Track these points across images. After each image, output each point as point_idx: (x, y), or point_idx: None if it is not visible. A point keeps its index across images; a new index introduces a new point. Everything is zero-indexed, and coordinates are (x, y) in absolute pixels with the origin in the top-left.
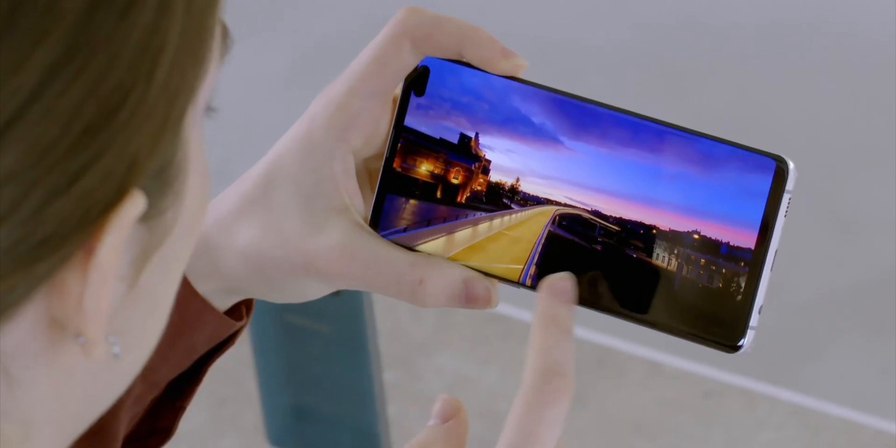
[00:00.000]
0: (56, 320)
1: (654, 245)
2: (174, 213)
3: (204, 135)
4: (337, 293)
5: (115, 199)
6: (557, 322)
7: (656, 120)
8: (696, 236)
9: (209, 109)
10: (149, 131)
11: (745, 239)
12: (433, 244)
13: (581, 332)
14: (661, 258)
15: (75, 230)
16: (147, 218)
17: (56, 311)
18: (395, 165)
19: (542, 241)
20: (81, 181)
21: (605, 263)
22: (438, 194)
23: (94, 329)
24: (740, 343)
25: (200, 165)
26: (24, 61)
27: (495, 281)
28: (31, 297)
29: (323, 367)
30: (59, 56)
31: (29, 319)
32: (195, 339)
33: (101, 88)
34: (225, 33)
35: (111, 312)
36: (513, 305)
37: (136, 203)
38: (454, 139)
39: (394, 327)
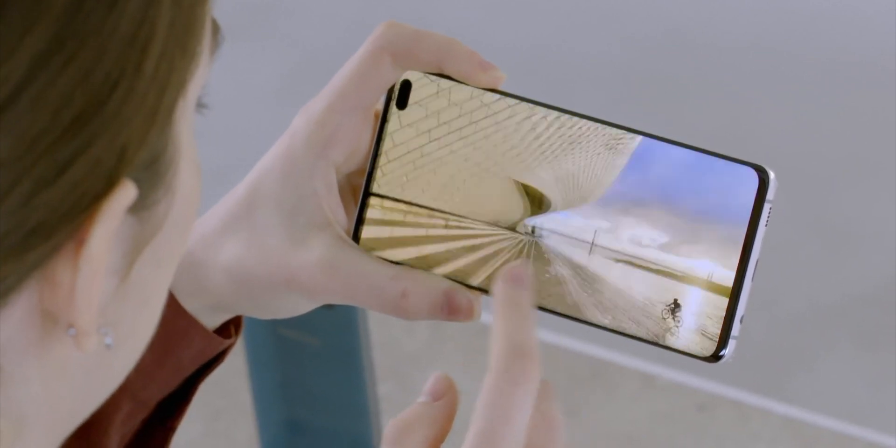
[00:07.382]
0: (47, 312)
1: (634, 255)
2: (166, 206)
3: (195, 131)
4: (330, 306)
5: (104, 189)
6: (518, 306)
7: (636, 130)
8: (676, 246)
9: (200, 106)
10: (138, 122)
11: (726, 249)
12: (416, 257)
13: (574, 345)
14: (642, 268)
15: (65, 220)
16: (138, 209)
17: (47, 303)
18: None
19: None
20: (71, 171)
21: (583, 274)
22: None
23: (86, 320)
24: (722, 353)
25: (192, 160)
26: (13, 51)
27: (478, 293)
28: (22, 288)
29: (317, 380)
30: (48, 46)
31: (20, 311)
32: (182, 357)
33: (89, 78)
34: (216, 30)
35: (103, 305)
36: None
37: (126, 193)
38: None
39: (387, 340)
